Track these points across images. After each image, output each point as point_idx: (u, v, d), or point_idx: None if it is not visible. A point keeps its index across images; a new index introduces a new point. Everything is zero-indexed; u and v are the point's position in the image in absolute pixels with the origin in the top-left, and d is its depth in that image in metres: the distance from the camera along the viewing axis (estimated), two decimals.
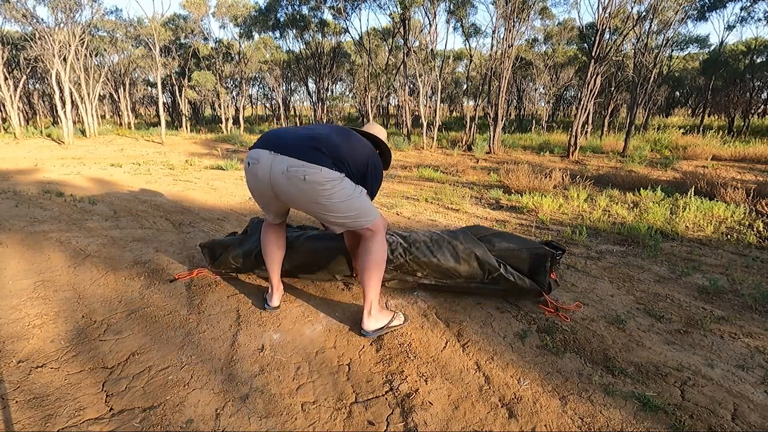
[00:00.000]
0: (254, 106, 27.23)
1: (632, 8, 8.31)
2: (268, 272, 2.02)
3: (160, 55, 13.16)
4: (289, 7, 14.27)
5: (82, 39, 11.84)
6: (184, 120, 16.47)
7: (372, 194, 1.84)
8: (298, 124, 21.31)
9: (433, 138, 11.06)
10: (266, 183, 1.70)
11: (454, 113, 26.82)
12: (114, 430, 1.27)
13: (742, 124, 13.45)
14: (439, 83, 11.69)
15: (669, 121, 16.48)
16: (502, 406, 1.39)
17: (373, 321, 1.80)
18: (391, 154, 2.06)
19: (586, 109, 8.77)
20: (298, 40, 15.65)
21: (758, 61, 13.82)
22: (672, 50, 12.96)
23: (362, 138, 1.85)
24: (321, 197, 1.64)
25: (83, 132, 12.32)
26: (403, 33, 11.86)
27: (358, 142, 1.79)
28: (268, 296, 2.04)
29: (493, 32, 9.76)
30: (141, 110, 26.11)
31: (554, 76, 16.62)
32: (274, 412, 1.36)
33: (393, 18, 12.20)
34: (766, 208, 3.85)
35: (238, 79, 16.75)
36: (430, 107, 15.63)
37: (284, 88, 19.68)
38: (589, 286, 2.33)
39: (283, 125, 18.65)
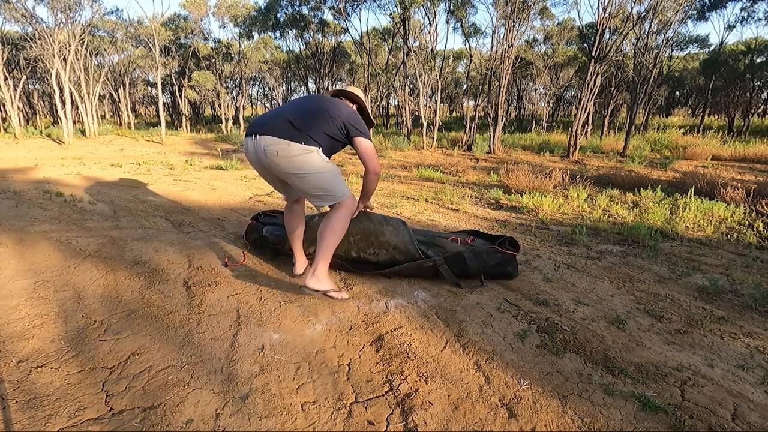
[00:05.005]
0: (254, 106, 27.20)
1: (632, 8, 8.31)
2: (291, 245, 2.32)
3: (160, 55, 13.15)
4: (289, 7, 14.26)
5: (82, 39, 11.82)
6: (184, 120, 16.46)
7: (365, 133, 2.00)
8: None
9: (433, 138, 11.06)
10: (258, 164, 1.97)
11: (454, 113, 26.81)
12: (114, 430, 1.27)
13: (742, 124, 13.45)
14: (439, 83, 11.69)
15: (669, 121, 16.48)
16: (502, 406, 1.39)
17: (315, 281, 1.90)
18: (368, 109, 2.23)
19: (586, 109, 8.77)
20: (298, 40, 15.64)
21: (758, 61, 13.82)
22: (672, 50, 12.97)
23: (336, 100, 2.02)
24: (293, 168, 1.86)
25: (83, 132, 12.30)
26: (403, 33, 11.86)
27: (331, 104, 1.95)
28: (293, 267, 2.36)
29: (493, 32, 9.76)
30: (141, 110, 26.06)
31: (554, 76, 16.61)
32: (274, 412, 1.36)
33: (393, 18, 12.21)
34: (766, 208, 3.85)
35: (238, 79, 16.73)
36: (430, 107, 15.64)
37: (284, 88, 19.68)
38: (589, 286, 2.33)
39: None
